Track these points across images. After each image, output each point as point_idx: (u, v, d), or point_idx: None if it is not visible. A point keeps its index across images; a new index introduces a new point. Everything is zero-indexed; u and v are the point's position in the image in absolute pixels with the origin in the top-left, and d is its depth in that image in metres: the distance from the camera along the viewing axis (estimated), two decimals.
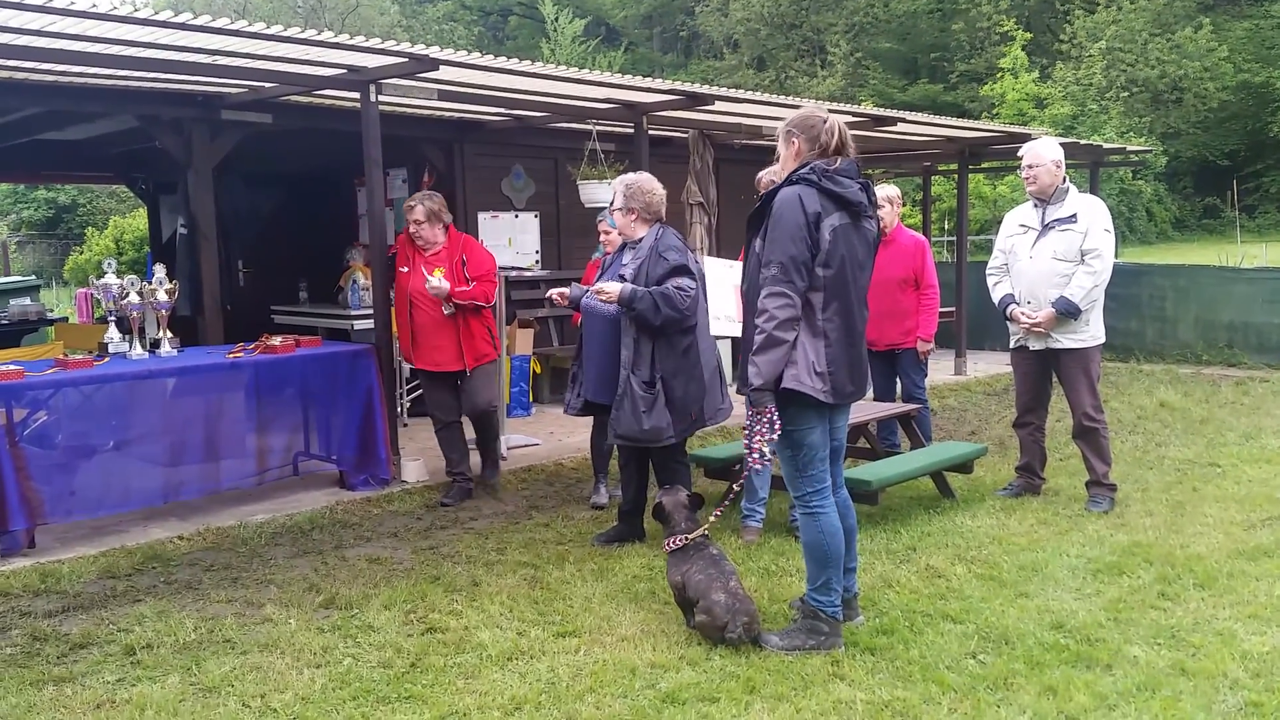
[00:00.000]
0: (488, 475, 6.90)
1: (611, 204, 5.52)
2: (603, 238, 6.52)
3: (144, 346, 6.28)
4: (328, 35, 6.31)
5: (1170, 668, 3.92)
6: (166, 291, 6.34)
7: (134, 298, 6.23)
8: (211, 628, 4.47)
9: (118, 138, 9.70)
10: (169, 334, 6.40)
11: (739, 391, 4.35)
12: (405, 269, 6.56)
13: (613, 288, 5.17)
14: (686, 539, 4.39)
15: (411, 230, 6.54)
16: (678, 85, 8.46)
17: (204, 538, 5.82)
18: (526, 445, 8.11)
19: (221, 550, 5.62)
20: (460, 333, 6.52)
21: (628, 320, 5.20)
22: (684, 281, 5.17)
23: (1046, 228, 6.10)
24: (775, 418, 3.95)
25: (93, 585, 5.08)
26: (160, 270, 6.44)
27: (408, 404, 9.15)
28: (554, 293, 5.83)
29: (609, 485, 6.54)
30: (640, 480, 5.68)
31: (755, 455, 3.96)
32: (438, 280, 6.34)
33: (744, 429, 4.06)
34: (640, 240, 5.39)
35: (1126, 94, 29.53)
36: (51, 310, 13.07)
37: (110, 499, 5.85)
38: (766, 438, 3.94)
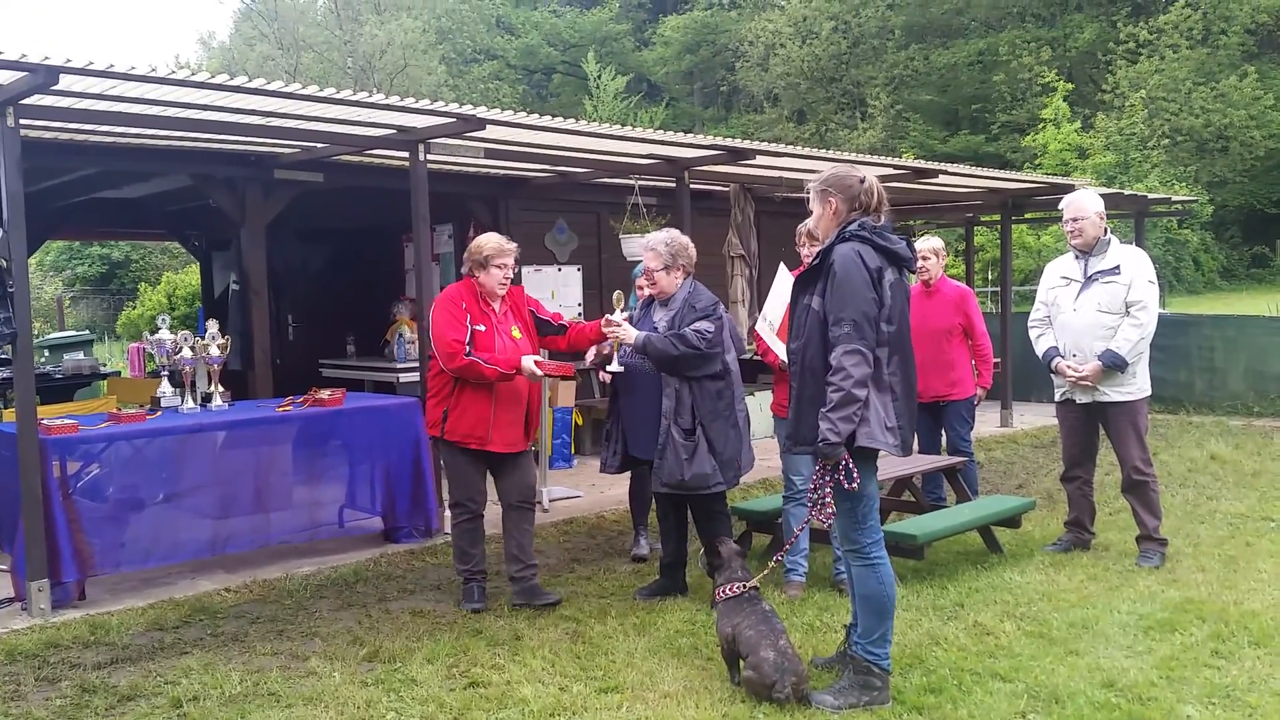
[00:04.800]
0: (532, 576, 5.61)
1: (645, 265, 5.55)
2: (646, 290, 6.57)
3: (195, 400, 6.40)
4: (378, 97, 6.47)
5: None
6: (219, 346, 6.46)
7: (186, 352, 6.36)
8: (257, 680, 4.51)
9: (172, 196, 9.96)
10: (220, 388, 6.51)
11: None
12: (482, 327, 5.36)
13: (628, 333, 5.25)
14: (744, 587, 4.38)
15: (500, 282, 5.45)
16: (719, 140, 8.55)
17: (250, 590, 5.87)
18: (568, 498, 8.12)
19: (268, 602, 5.67)
20: (531, 404, 5.62)
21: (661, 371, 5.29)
22: (703, 325, 5.27)
23: (1090, 280, 6.06)
24: (853, 470, 3.98)
25: (141, 637, 5.14)
26: (213, 325, 6.57)
27: None
28: (602, 373, 5.75)
29: (649, 537, 6.52)
30: (681, 533, 5.67)
31: (830, 511, 4.02)
32: (532, 365, 5.33)
33: (812, 485, 4.09)
34: (674, 295, 5.46)
35: (1169, 142, 29.35)
36: (104, 365, 13.33)
37: (159, 551, 5.93)
38: (846, 488, 3.98)
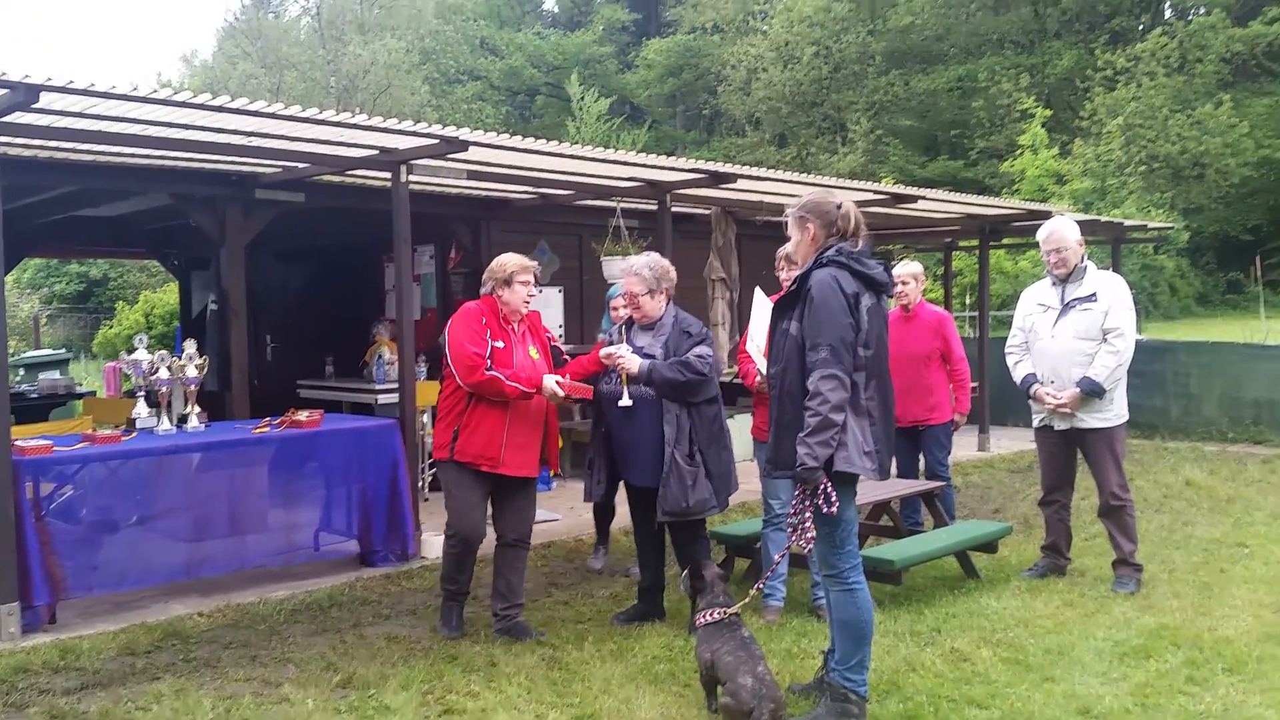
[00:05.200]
0: (517, 615, 5.48)
1: (625, 289, 5.52)
2: (621, 311, 6.57)
3: (171, 421, 6.35)
4: (361, 117, 6.47)
5: None
6: (196, 367, 6.42)
7: (163, 373, 6.31)
8: (229, 707, 4.46)
9: (151, 214, 9.92)
10: (196, 409, 6.47)
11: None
12: (501, 344, 5.24)
13: (630, 361, 5.21)
14: (725, 613, 4.37)
15: (524, 299, 5.35)
16: (701, 164, 8.59)
17: (224, 614, 5.82)
18: (546, 521, 8.09)
19: (241, 628, 5.62)
20: (549, 427, 5.53)
21: (664, 398, 5.26)
22: (703, 349, 5.30)
23: (1067, 306, 6.11)
24: (832, 494, 4.01)
25: (112, 662, 5.08)
26: (190, 346, 6.53)
27: (429, 478, 9.17)
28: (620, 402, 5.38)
29: (609, 553, 6.87)
30: (660, 558, 5.66)
31: (810, 535, 4.04)
32: (554, 385, 5.26)
33: (792, 510, 4.11)
34: (660, 320, 5.44)
35: (1146, 169, 29.66)
36: (80, 384, 13.22)
37: (133, 574, 5.86)
38: (825, 512, 4.00)
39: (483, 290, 5.41)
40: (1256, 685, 4.53)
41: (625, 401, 5.27)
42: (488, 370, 5.10)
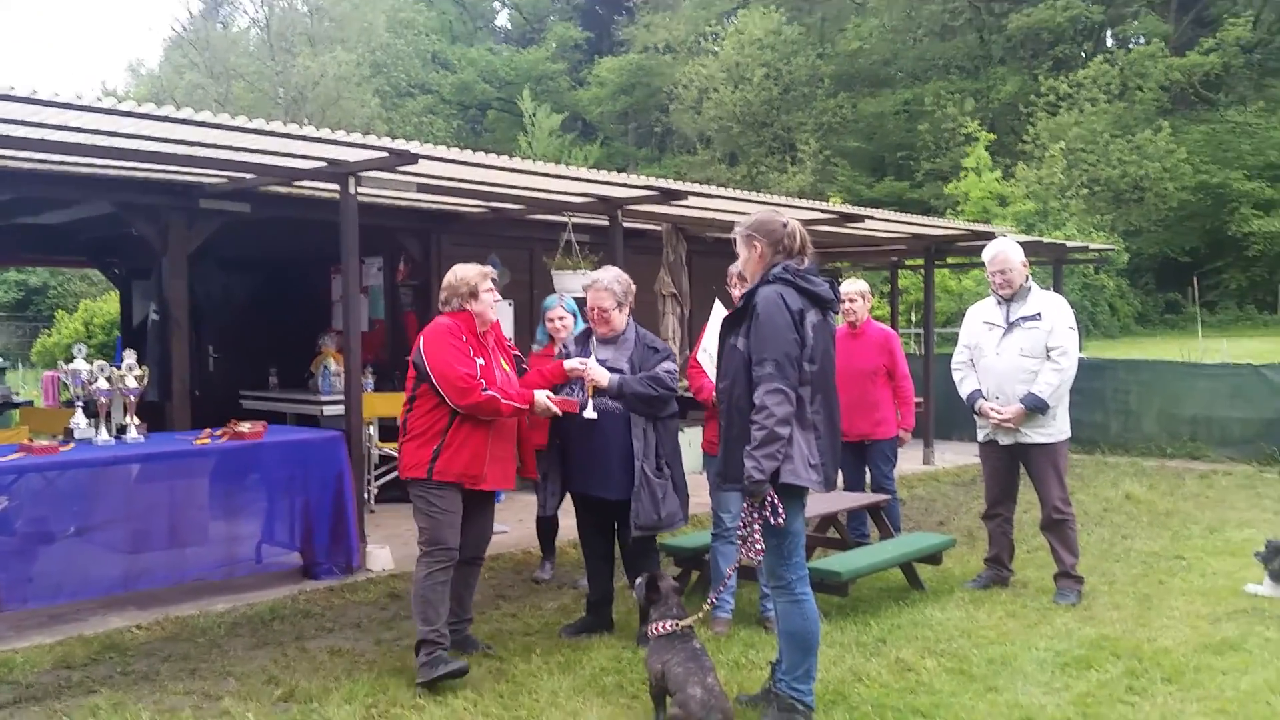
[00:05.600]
0: (465, 629, 5.37)
1: (592, 304, 5.42)
2: (557, 323, 6.59)
3: (110, 432, 6.22)
4: (309, 129, 6.42)
5: None
6: (136, 378, 6.31)
7: (102, 383, 6.19)
8: None
9: (93, 223, 9.75)
10: (136, 420, 6.36)
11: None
12: (481, 361, 5.06)
13: (600, 374, 5.18)
14: (677, 625, 4.37)
15: (492, 305, 5.20)
16: (652, 181, 8.64)
17: (163, 627, 5.71)
18: (495, 533, 8.02)
19: (180, 640, 5.51)
20: (523, 440, 5.40)
21: (631, 412, 5.24)
22: (670, 365, 5.35)
23: (1012, 325, 6.22)
24: (779, 506, 4.05)
25: (47, 675, 4.95)
26: (130, 356, 6.42)
27: (375, 490, 9.08)
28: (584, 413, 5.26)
29: (555, 564, 6.93)
30: (609, 570, 5.65)
31: (759, 547, 4.06)
32: (546, 400, 5.16)
33: (741, 522, 4.14)
34: (622, 334, 5.44)
35: (1088, 192, 30.29)
36: (17, 393, 12.92)
37: (69, 586, 5.74)
38: (773, 524, 4.04)
39: (445, 308, 5.17)
40: (1194, 694, 4.62)
41: (590, 414, 5.20)
42: (484, 391, 4.91)
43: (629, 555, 5.52)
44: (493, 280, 5.23)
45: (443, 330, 5.05)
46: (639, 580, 4.74)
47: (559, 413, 5.18)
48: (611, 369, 5.28)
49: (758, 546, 4.08)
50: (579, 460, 5.39)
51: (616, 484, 5.27)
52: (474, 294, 5.12)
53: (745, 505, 4.11)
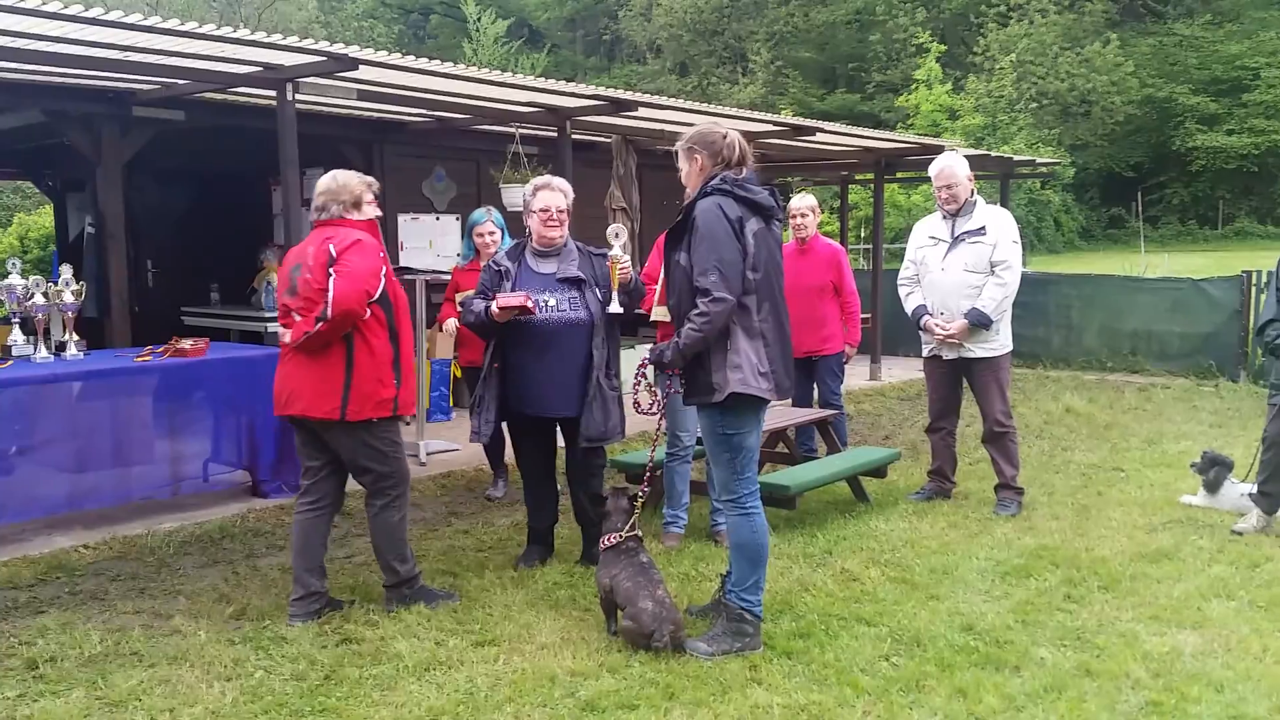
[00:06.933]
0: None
1: (547, 204, 5.09)
2: (486, 238, 6.50)
3: (49, 349, 6.08)
4: (243, 33, 6.21)
5: (1075, 669, 4.04)
6: (73, 293, 6.15)
7: (39, 299, 6.03)
8: (118, 640, 4.35)
9: (24, 133, 9.38)
10: (75, 336, 6.21)
11: (650, 358, 4.35)
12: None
13: (627, 265, 5.02)
14: (619, 537, 4.41)
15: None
16: (601, 90, 8.48)
17: (110, 546, 5.65)
18: (446, 450, 8.04)
19: (128, 560, 5.47)
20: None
21: (601, 323, 5.06)
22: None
23: (957, 240, 6.24)
24: (680, 380, 4.31)
25: None
26: (66, 271, 6.24)
27: None
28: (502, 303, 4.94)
29: (508, 482, 6.85)
30: (554, 496, 5.51)
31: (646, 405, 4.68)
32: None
33: (642, 381, 4.64)
34: (565, 245, 5.21)
35: (1036, 106, 30.37)
36: None
37: (12, 507, 5.64)
38: (668, 391, 4.54)
39: (326, 215, 4.57)
40: (1129, 601, 4.78)
41: (615, 308, 5.04)
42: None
43: (577, 470, 5.33)
44: (374, 193, 4.71)
45: (370, 250, 4.52)
46: (613, 489, 4.75)
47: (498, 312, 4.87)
48: (561, 280, 5.09)
49: (645, 405, 4.65)
50: (532, 379, 5.09)
51: (569, 399, 5.07)
52: (358, 204, 4.62)
53: (660, 374, 4.50)
